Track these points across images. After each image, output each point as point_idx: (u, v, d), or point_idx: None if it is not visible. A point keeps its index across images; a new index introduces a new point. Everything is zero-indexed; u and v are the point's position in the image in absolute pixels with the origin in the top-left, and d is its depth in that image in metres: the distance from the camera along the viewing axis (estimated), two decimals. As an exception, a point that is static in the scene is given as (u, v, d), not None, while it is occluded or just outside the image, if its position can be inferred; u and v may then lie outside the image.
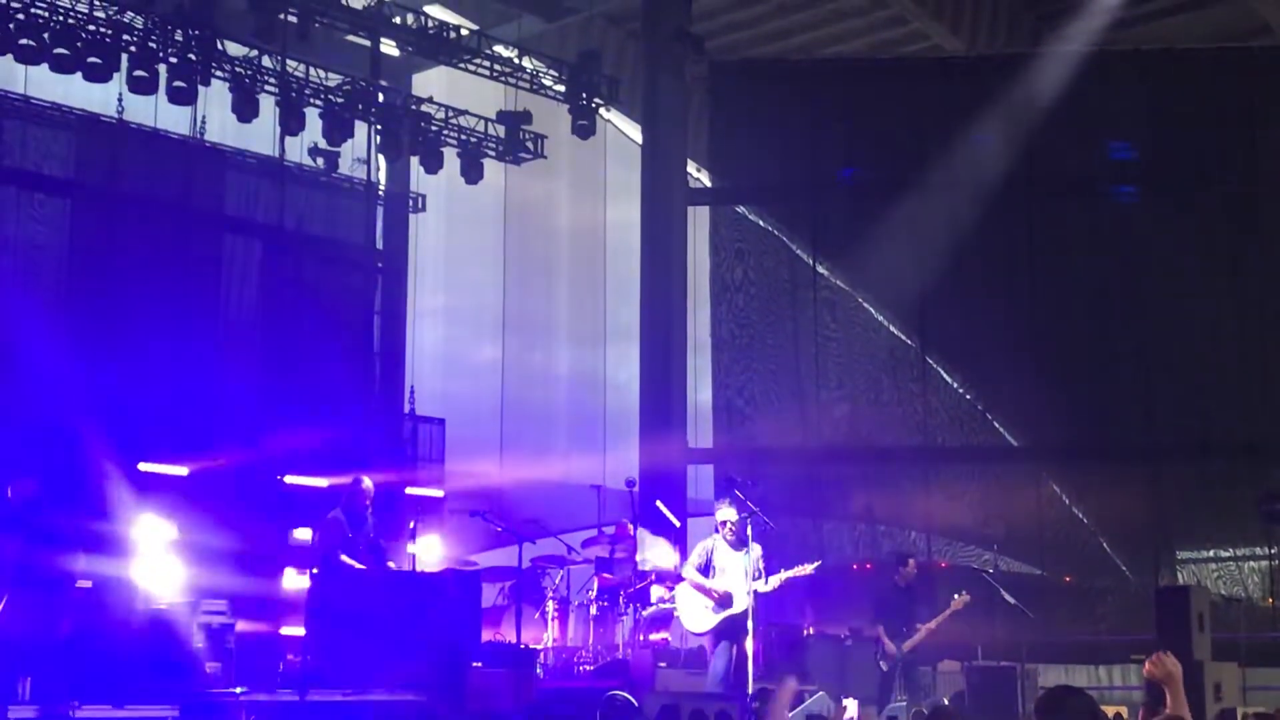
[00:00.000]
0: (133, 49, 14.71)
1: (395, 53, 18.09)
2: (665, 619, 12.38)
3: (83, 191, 15.75)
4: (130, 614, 9.86)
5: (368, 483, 11.65)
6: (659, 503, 14.26)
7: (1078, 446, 18.83)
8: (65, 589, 9.58)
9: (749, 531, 11.23)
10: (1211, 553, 18.80)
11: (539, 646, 12.67)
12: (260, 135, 16.57)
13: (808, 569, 11.37)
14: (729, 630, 11.20)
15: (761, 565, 11.22)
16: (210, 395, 15.02)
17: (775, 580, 11.25)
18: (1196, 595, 13.72)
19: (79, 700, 8.77)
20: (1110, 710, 11.90)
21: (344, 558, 11.10)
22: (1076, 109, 18.17)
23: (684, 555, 12.32)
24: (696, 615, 11.35)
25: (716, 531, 11.45)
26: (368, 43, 17.19)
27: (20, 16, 13.92)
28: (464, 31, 17.57)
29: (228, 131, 16.62)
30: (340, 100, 16.45)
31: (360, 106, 16.66)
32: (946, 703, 12.19)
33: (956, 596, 13.24)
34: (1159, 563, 18.46)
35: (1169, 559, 18.68)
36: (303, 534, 12.39)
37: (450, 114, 17.61)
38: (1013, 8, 20.95)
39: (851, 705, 11.32)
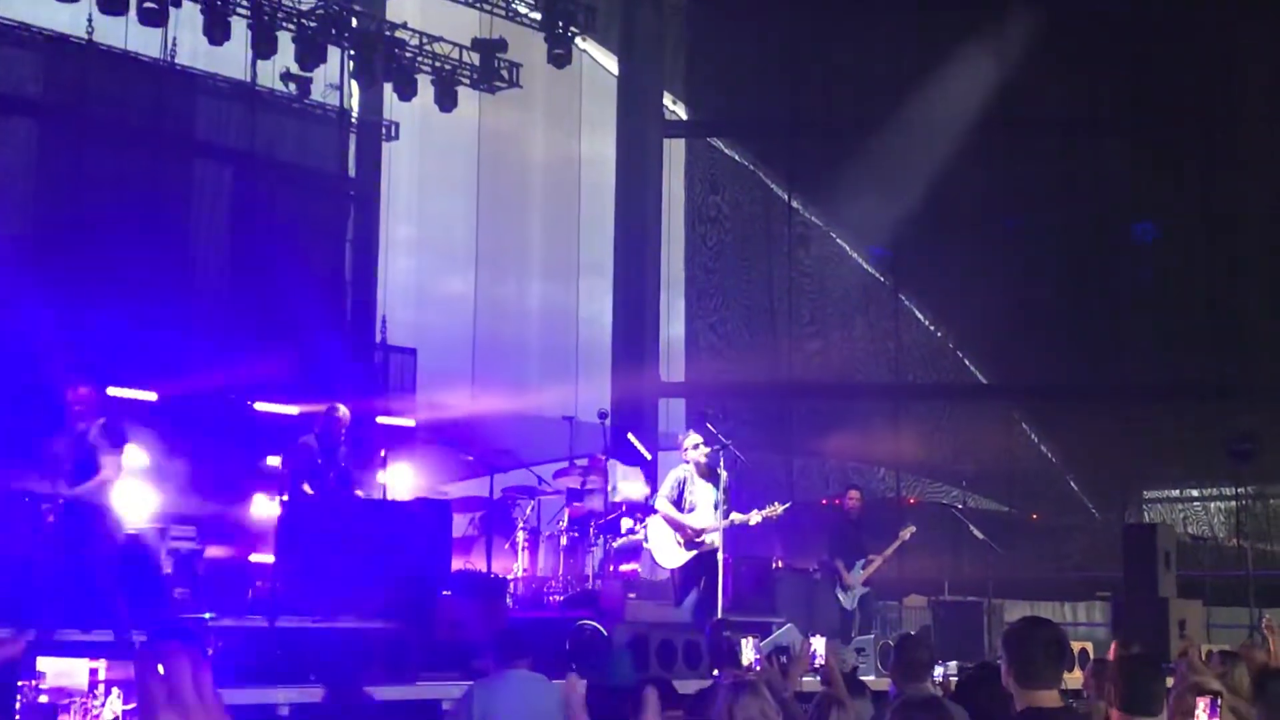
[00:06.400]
0: (102, -32, 14.46)
1: (369, -23, 17.85)
2: (635, 550, 12.38)
3: (50, 113, 15.51)
4: (98, 540, 9.79)
5: (343, 410, 11.49)
6: (631, 435, 14.27)
7: (1048, 385, 18.95)
8: (33, 514, 9.51)
9: (721, 463, 11.27)
10: (1179, 492, 18.96)
11: (509, 576, 12.67)
12: (232, 59, 16.33)
13: (777, 510, 11.38)
14: (700, 565, 11.23)
15: (725, 498, 11.22)
16: (180, 320, 14.88)
17: (744, 518, 11.29)
18: (1163, 534, 13.86)
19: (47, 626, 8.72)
20: (1076, 646, 12.00)
21: (305, 487, 10.99)
22: (1057, 44, 18.11)
23: (655, 488, 12.32)
24: (668, 550, 11.37)
25: (685, 461, 11.45)
26: (341, -34, 16.96)
27: (-14, -67, 13.68)
28: (439, -44, 17.34)
29: (199, 54, 16.34)
30: (313, 24, 16.22)
31: (333, 31, 16.45)
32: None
33: (903, 529, 13.33)
34: (1126, 501, 18.62)
35: (1136, 498, 18.84)
36: (273, 460, 12.29)
37: (424, 40, 17.40)
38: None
39: (819, 643, 11.38)
